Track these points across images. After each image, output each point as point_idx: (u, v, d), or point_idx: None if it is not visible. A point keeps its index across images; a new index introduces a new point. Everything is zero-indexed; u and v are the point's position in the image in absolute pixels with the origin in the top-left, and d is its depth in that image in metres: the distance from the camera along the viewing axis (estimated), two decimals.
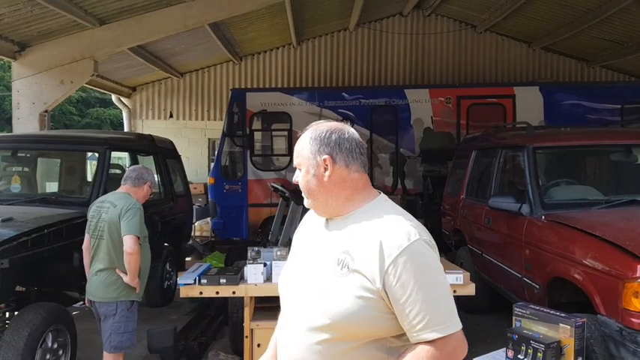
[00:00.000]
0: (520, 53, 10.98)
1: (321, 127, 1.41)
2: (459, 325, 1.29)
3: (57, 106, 9.91)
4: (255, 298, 3.52)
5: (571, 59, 11.01)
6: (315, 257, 1.39)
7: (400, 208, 1.41)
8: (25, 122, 6.76)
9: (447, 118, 7.82)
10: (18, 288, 3.65)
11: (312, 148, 1.39)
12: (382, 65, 11.01)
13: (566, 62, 11.05)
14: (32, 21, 6.38)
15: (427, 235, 1.33)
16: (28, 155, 5.39)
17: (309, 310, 1.34)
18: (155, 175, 3.47)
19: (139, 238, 3.13)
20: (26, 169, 5.38)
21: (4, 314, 3.56)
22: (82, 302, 4.27)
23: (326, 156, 1.37)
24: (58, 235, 3.76)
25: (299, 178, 1.43)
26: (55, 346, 3.46)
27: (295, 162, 1.44)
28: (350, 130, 1.41)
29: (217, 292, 3.36)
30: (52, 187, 5.97)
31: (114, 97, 11.36)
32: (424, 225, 1.41)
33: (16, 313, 3.51)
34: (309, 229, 1.49)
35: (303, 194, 1.45)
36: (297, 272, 1.43)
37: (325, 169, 1.37)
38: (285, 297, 1.46)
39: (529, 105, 7.58)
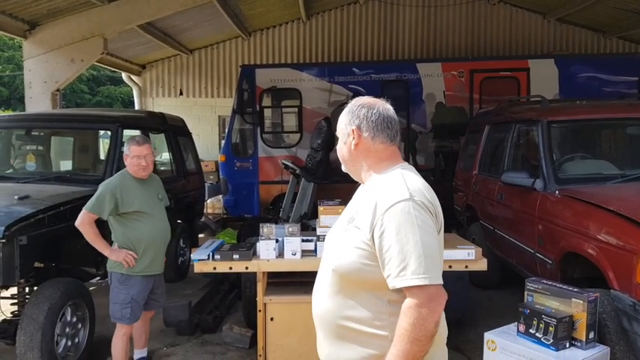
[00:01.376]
0: (535, 25, 10.68)
1: (357, 102, 1.59)
2: (437, 281, 1.38)
3: (68, 85, 9.95)
4: (268, 273, 3.57)
5: (587, 30, 10.69)
6: (343, 217, 1.62)
7: (412, 174, 1.53)
8: (38, 101, 6.81)
9: (459, 93, 7.68)
10: (36, 264, 3.73)
11: (345, 120, 1.59)
12: (393, 39, 10.81)
13: (582, 33, 10.74)
14: None
15: (422, 198, 1.44)
16: (41, 134, 5.43)
17: (326, 259, 1.60)
18: (129, 145, 3.35)
19: (93, 214, 3.19)
20: (40, 147, 5.43)
21: (24, 289, 3.66)
22: (98, 277, 4.37)
23: (354, 127, 1.56)
24: (74, 213, 3.80)
25: (337, 146, 1.64)
26: (74, 319, 3.56)
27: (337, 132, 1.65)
28: (382, 106, 1.57)
29: (230, 268, 3.40)
30: (65, 165, 6.03)
31: (124, 75, 11.36)
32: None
33: (35, 288, 3.60)
34: (356, 194, 1.66)
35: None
36: (332, 230, 1.66)
37: (353, 139, 1.56)
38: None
39: (544, 78, 7.40)
